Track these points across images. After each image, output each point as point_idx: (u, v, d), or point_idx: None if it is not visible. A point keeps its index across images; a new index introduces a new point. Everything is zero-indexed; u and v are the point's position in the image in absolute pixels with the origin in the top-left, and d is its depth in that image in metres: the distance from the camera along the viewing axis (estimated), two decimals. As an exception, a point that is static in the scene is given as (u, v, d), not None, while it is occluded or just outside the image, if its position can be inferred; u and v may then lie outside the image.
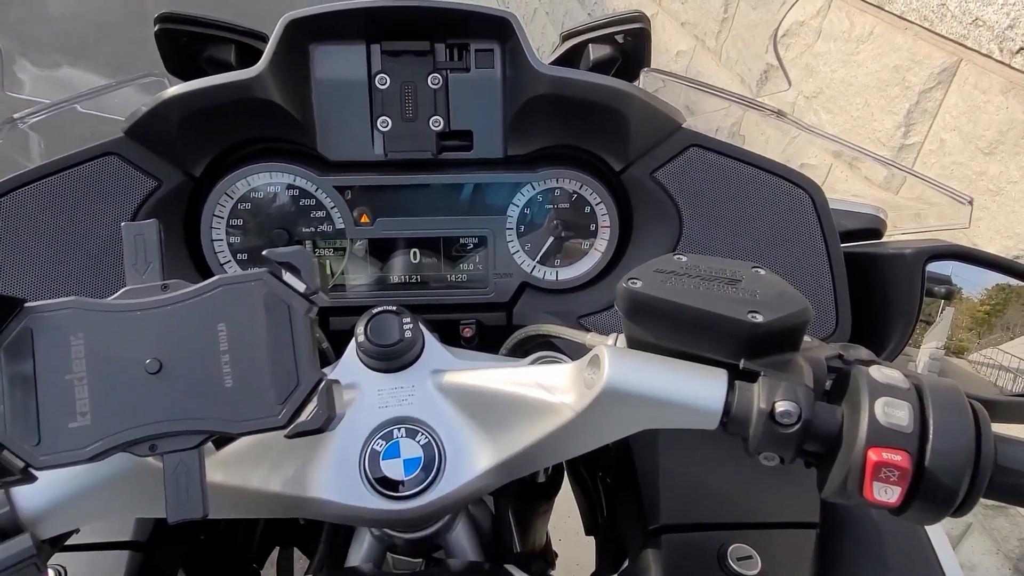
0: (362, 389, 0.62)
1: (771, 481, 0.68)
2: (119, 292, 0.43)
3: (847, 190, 1.69)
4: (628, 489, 0.71)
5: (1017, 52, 1.27)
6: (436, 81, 0.74)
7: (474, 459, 0.59)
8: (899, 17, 1.60)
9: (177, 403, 0.41)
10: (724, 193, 0.74)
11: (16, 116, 0.78)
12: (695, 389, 0.46)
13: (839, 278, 0.73)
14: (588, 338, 0.61)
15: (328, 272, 0.79)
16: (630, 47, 0.79)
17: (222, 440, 0.45)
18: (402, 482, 0.57)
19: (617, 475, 0.78)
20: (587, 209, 0.78)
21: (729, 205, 0.74)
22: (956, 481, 0.40)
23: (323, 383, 0.42)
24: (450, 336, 0.79)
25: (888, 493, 0.41)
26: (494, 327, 0.81)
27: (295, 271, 0.44)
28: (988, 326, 0.87)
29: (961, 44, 1.40)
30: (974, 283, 0.82)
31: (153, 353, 0.41)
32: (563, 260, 0.80)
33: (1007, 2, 1.29)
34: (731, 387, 0.46)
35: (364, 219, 0.77)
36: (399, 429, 0.60)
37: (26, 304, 0.41)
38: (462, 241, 0.79)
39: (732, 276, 0.50)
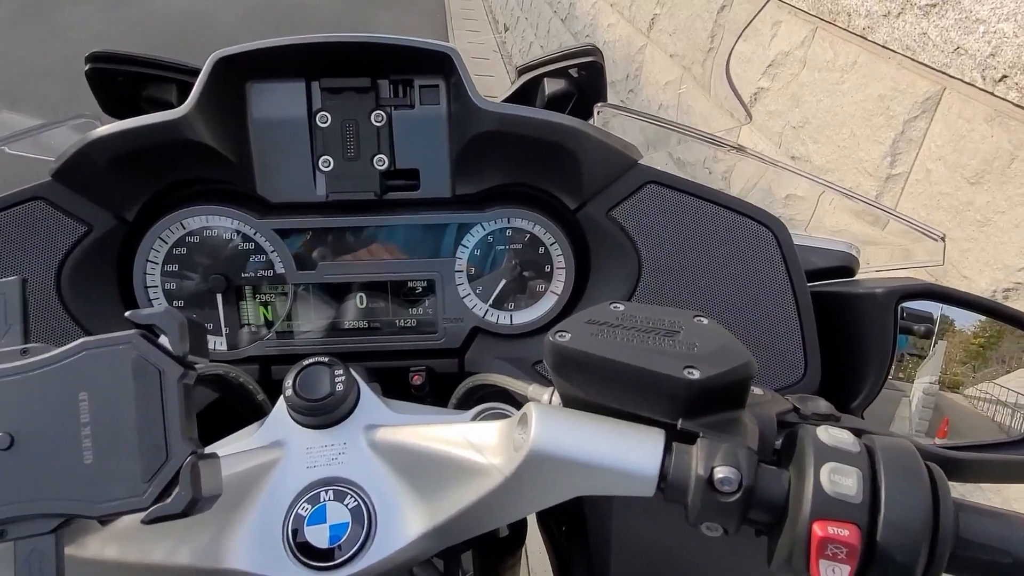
0: (288, 447, 0.58)
1: (728, 545, 0.64)
2: None
3: (834, 224, 1.66)
4: (582, 550, 0.67)
5: (1000, 80, 1.24)
6: (379, 118, 0.71)
7: (407, 524, 0.55)
8: (882, 47, 1.58)
9: (29, 483, 0.37)
10: (684, 232, 0.71)
11: None
12: (628, 452, 0.42)
13: (806, 321, 0.70)
14: (530, 390, 0.58)
15: (272, 317, 0.75)
16: (584, 81, 0.76)
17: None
18: (328, 550, 0.53)
19: (571, 530, 0.73)
20: (541, 250, 0.75)
21: (689, 244, 0.71)
22: (912, 558, 0.36)
23: (189, 458, 0.38)
24: (400, 385, 0.75)
25: (836, 572, 0.37)
26: (445, 375, 0.77)
27: (163, 334, 0.40)
28: (983, 360, 0.83)
29: (944, 73, 1.38)
30: (967, 317, 0.79)
31: (4, 426, 0.37)
32: (517, 303, 0.77)
33: (988, 30, 1.27)
34: (668, 450, 0.42)
35: (306, 264, 0.74)
36: (327, 491, 0.56)
37: None
38: (410, 285, 0.76)
39: (670, 327, 0.46)
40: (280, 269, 0.73)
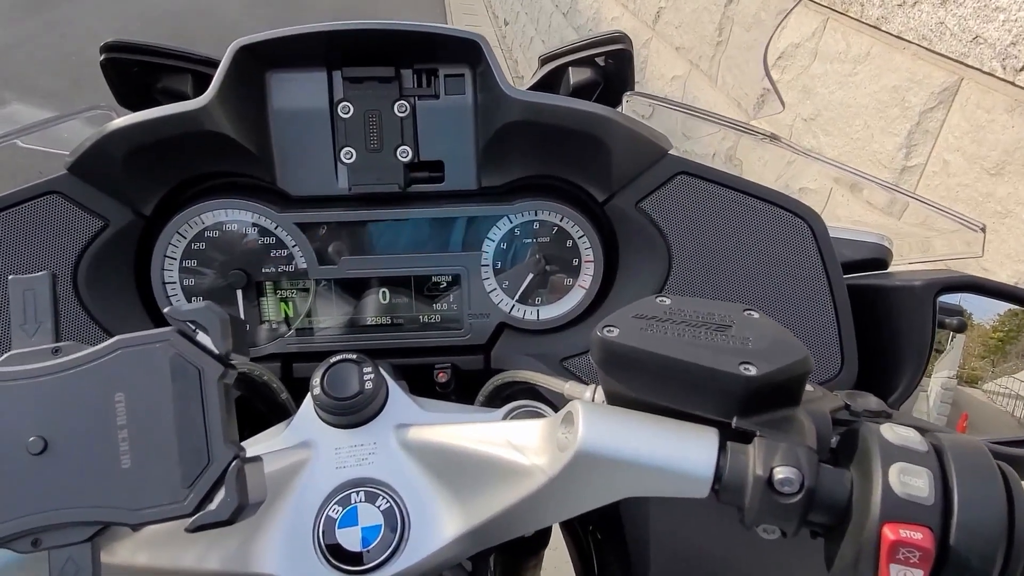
0: (317, 447, 0.56)
1: (773, 547, 0.62)
2: (2, 357, 0.37)
3: (848, 215, 1.64)
4: (617, 552, 0.65)
5: (1021, 70, 1.22)
6: (403, 109, 0.69)
7: (441, 526, 0.53)
8: (896, 37, 1.56)
9: (65, 489, 0.35)
10: (715, 223, 0.69)
11: None
12: (682, 452, 0.41)
13: (843, 314, 0.68)
14: (567, 388, 0.56)
15: (292, 314, 0.73)
16: (612, 70, 0.74)
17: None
18: (360, 553, 0.51)
19: (606, 534, 0.71)
20: (569, 243, 0.73)
21: (721, 236, 0.69)
22: (987, 562, 0.35)
23: (234, 463, 0.37)
24: (424, 382, 0.73)
25: (908, 577, 0.35)
26: (471, 371, 0.75)
27: (203, 330, 0.38)
28: (1002, 354, 0.81)
29: (962, 63, 1.36)
30: (986, 310, 0.77)
31: (37, 430, 0.35)
32: (544, 298, 0.75)
33: (1009, 19, 1.25)
34: (722, 449, 0.40)
35: (328, 259, 0.72)
36: (357, 493, 0.54)
37: None
38: (435, 280, 0.74)
39: (721, 321, 0.44)
40: (302, 264, 0.71)
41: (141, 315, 0.70)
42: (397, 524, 0.53)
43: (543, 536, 0.89)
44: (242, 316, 0.72)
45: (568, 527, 0.88)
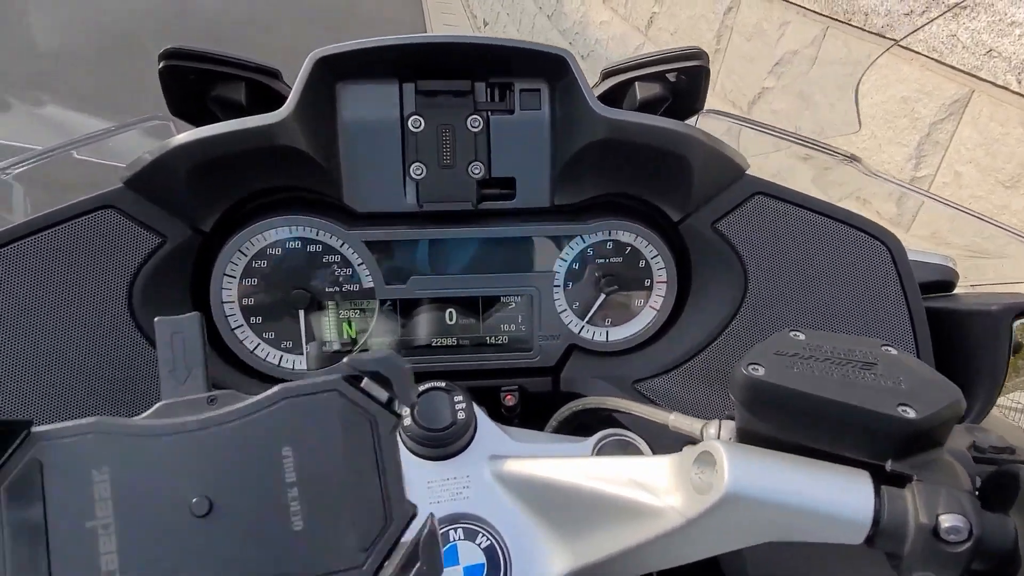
0: (408, 482, 0.54)
1: None
2: (153, 408, 0.34)
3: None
4: None
5: (1036, 84, 1.24)
6: (476, 123, 0.66)
7: (545, 565, 0.51)
8: (905, 48, 1.58)
9: (235, 554, 0.32)
10: (792, 245, 0.68)
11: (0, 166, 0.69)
12: (837, 496, 0.39)
13: (922, 338, 0.67)
14: (672, 419, 0.54)
15: (355, 334, 0.70)
16: (683, 86, 0.72)
17: None
18: None
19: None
20: (641, 263, 0.71)
21: (798, 258, 0.68)
22: None
23: (427, 526, 0.34)
24: (490, 406, 0.71)
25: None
26: (538, 394, 0.73)
27: (384, 383, 0.35)
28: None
29: (974, 75, 1.38)
30: None
31: (201, 489, 0.32)
32: (613, 319, 0.73)
33: None
34: (878, 494, 0.39)
35: (395, 278, 0.69)
36: (456, 530, 0.52)
37: (33, 429, 0.32)
38: (503, 299, 0.71)
39: (864, 359, 0.43)
40: (368, 283, 0.69)
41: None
42: (500, 563, 0.51)
43: None
44: (303, 336, 0.69)
45: None
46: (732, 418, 0.49)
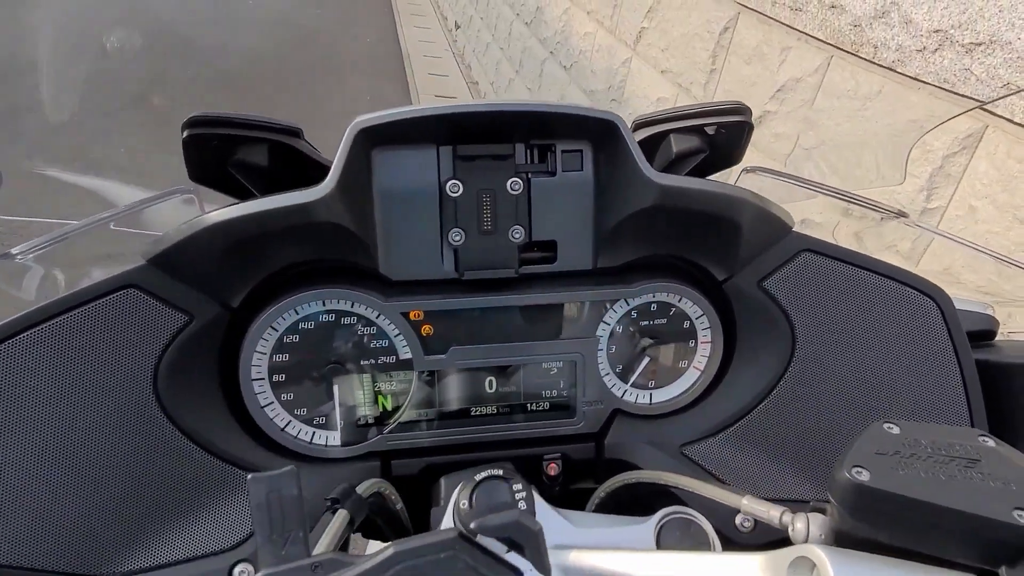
0: None
1: None
2: None
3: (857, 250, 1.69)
4: None
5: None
6: (517, 186, 0.66)
7: None
8: (913, 79, 1.62)
9: None
10: (840, 302, 0.69)
11: (14, 251, 0.67)
12: None
13: (974, 396, 0.69)
14: (745, 504, 0.54)
15: (390, 407, 0.69)
16: (722, 140, 0.73)
17: None
18: None
19: None
20: (686, 323, 0.72)
21: (846, 315, 0.69)
22: None
23: None
24: (531, 475, 0.71)
25: None
26: (581, 460, 0.73)
27: (517, 548, 0.34)
28: None
29: (990, 111, 1.42)
30: None
31: None
32: (658, 381, 0.73)
33: (1038, 68, 1.31)
34: None
35: (434, 348, 0.68)
36: None
37: None
38: (544, 366, 0.71)
39: (966, 455, 0.43)
40: (406, 355, 0.68)
41: (227, 418, 0.65)
42: None
43: None
44: (337, 412, 0.68)
45: None
46: (820, 511, 0.49)
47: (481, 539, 0.34)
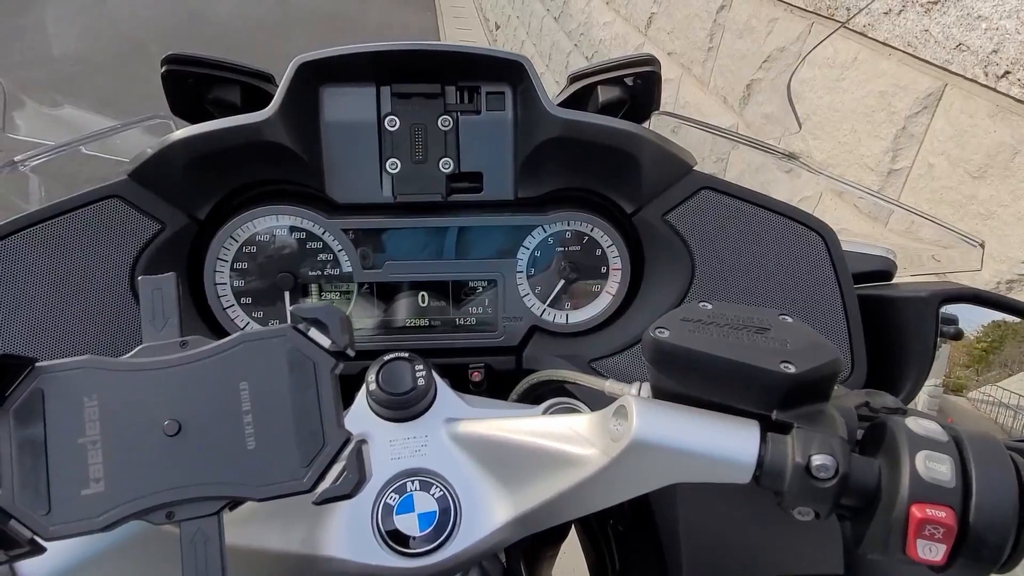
0: (373, 439, 0.60)
1: (793, 530, 0.66)
2: (135, 350, 0.41)
3: (836, 219, 1.69)
4: (644, 541, 0.69)
5: (1002, 76, 1.27)
6: (446, 123, 0.72)
7: (491, 513, 0.56)
8: (883, 43, 1.60)
9: (196, 467, 0.39)
10: (736, 236, 0.73)
11: (17, 159, 0.76)
12: (727, 442, 0.44)
13: (854, 322, 0.72)
14: (607, 386, 0.59)
15: None
16: (639, 89, 0.77)
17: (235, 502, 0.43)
18: (416, 538, 0.54)
19: (631, 526, 0.75)
20: (598, 252, 0.77)
21: (741, 248, 0.73)
22: (1002, 537, 0.39)
23: (353, 444, 0.40)
24: (458, 381, 0.77)
25: (933, 551, 0.39)
26: (503, 371, 0.78)
27: (322, 327, 0.42)
28: (986, 363, 0.85)
29: (946, 69, 1.41)
30: (972, 321, 0.81)
31: (171, 414, 0.39)
32: (573, 303, 0.78)
33: (990, 27, 1.30)
34: (764, 440, 0.44)
35: (372, 263, 0.75)
36: (413, 482, 0.57)
37: (37, 364, 0.39)
38: (471, 284, 0.77)
39: (760, 324, 0.48)
40: (347, 268, 0.75)
41: (193, 318, 0.73)
42: (450, 510, 0.56)
43: (563, 529, 0.92)
44: (288, 316, 0.75)
45: (584, 523, 0.91)
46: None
47: (312, 333, 0.42)
